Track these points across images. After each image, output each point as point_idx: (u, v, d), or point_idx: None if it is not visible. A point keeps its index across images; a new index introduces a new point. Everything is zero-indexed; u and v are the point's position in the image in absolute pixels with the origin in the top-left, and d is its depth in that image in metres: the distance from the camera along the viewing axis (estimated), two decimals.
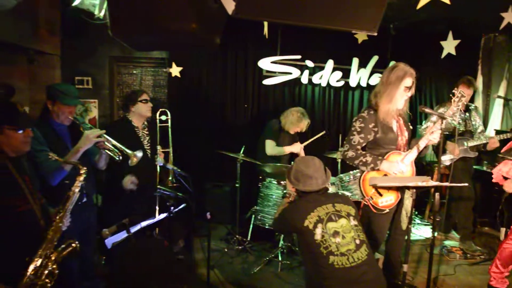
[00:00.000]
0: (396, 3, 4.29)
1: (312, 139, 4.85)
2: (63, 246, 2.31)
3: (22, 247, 2.14)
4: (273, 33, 5.30)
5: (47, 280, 2.17)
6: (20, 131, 2.19)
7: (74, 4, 4.04)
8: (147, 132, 3.68)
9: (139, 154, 3.00)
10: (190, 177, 3.39)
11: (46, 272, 2.18)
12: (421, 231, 5.25)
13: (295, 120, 4.66)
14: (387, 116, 3.12)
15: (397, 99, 3.11)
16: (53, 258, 2.23)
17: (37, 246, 2.19)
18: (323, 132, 4.92)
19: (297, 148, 4.72)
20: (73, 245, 2.36)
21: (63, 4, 4.70)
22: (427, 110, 3.19)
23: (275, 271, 4.02)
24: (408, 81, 3.08)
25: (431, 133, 3.11)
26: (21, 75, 4.58)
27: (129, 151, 2.96)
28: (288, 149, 4.71)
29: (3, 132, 2.16)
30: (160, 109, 3.89)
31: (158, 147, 3.62)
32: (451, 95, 3.17)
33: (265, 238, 4.65)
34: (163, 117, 3.88)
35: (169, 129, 3.77)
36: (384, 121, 3.13)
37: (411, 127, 3.37)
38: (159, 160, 3.51)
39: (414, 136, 3.51)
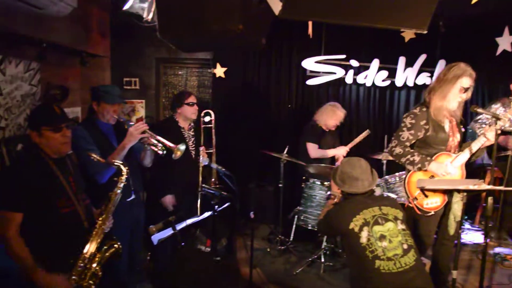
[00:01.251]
0: None
1: (356, 140, 4.76)
2: (105, 247, 2.31)
3: (66, 248, 2.15)
4: (317, 33, 5.26)
5: (91, 282, 2.19)
6: (57, 132, 2.19)
7: (125, 8, 4.18)
8: (192, 133, 3.75)
9: (182, 147, 3.01)
10: (234, 177, 3.42)
11: (89, 273, 2.19)
12: (471, 237, 5.03)
13: (330, 113, 4.62)
14: (438, 114, 3.01)
15: (450, 99, 2.98)
16: (96, 259, 2.24)
17: (80, 248, 2.20)
18: (367, 132, 4.81)
19: (342, 151, 4.66)
20: (115, 246, 2.36)
21: (113, 8, 4.89)
22: (480, 109, 3.05)
23: (318, 273, 3.98)
24: (466, 81, 2.95)
25: (485, 135, 2.97)
26: (74, 77, 4.80)
27: (171, 145, 2.98)
28: (332, 152, 4.66)
29: (42, 134, 2.17)
30: (204, 110, 3.93)
31: (201, 148, 3.67)
32: (511, 97, 3.00)
33: (308, 239, 4.62)
34: (207, 118, 3.92)
35: (213, 130, 3.80)
36: (436, 119, 3.02)
37: (463, 130, 3.23)
38: (204, 160, 3.56)
39: (465, 139, 3.35)
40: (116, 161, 2.61)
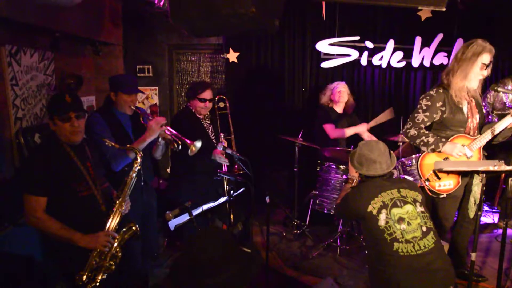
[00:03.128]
0: None
1: (378, 118, 4.68)
2: (124, 229, 2.40)
3: (84, 231, 2.24)
4: (330, 14, 5.17)
5: (111, 262, 2.29)
6: (66, 121, 2.23)
7: None
8: (209, 122, 3.72)
9: (198, 144, 3.00)
10: (249, 162, 3.41)
11: (109, 255, 2.28)
12: (490, 219, 4.96)
13: (331, 87, 4.61)
14: (459, 94, 2.94)
15: (472, 77, 2.91)
16: (116, 241, 2.33)
17: (98, 231, 2.29)
18: (390, 110, 4.70)
19: (363, 128, 4.59)
20: (133, 228, 2.44)
21: None
22: (500, 89, 2.97)
23: (334, 256, 3.99)
24: (486, 58, 2.88)
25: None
26: (88, 66, 4.84)
27: (188, 141, 2.97)
28: (352, 131, 4.60)
29: (54, 122, 2.25)
30: (218, 96, 3.89)
31: (221, 135, 3.66)
32: None
33: (323, 223, 4.62)
34: (221, 104, 3.88)
35: (229, 116, 3.77)
36: (455, 99, 2.95)
37: (484, 111, 3.15)
38: (219, 146, 3.56)
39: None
40: (139, 146, 2.68)
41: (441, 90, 2.99)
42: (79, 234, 2.21)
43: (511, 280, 3.43)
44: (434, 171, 2.97)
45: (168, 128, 2.93)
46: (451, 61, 3.05)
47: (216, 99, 3.88)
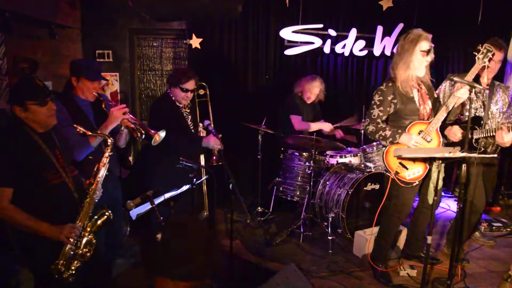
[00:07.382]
0: None
1: (344, 122, 4.75)
2: (96, 217, 2.39)
3: (58, 219, 2.20)
4: (294, 1, 5.17)
5: (85, 250, 2.29)
6: (43, 106, 2.18)
7: None
8: (188, 111, 3.62)
9: (162, 134, 2.93)
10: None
11: (84, 241, 2.29)
12: (445, 204, 5.18)
13: (307, 84, 4.61)
14: (406, 85, 3.02)
15: (415, 66, 2.99)
16: (88, 229, 2.34)
17: (72, 219, 2.28)
18: (356, 118, 4.79)
19: (327, 127, 4.65)
20: (106, 214, 2.44)
21: None
22: (456, 78, 3.06)
23: (297, 242, 4.05)
24: (424, 45, 2.96)
25: (454, 95, 2.98)
26: (43, 50, 4.61)
27: (152, 131, 2.90)
28: (316, 126, 4.64)
29: (27, 108, 2.16)
30: (198, 83, 3.75)
31: (200, 125, 3.58)
32: (474, 53, 3.00)
33: (287, 210, 4.67)
34: (201, 92, 3.73)
35: (209, 104, 3.64)
36: (403, 91, 3.03)
37: (435, 95, 3.25)
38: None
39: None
40: (103, 132, 2.61)
41: (390, 84, 3.08)
42: (46, 225, 2.16)
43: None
44: (400, 163, 3.05)
45: (131, 116, 2.84)
46: (394, 55, 3.13)
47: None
